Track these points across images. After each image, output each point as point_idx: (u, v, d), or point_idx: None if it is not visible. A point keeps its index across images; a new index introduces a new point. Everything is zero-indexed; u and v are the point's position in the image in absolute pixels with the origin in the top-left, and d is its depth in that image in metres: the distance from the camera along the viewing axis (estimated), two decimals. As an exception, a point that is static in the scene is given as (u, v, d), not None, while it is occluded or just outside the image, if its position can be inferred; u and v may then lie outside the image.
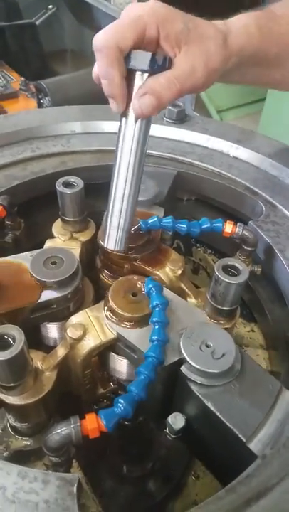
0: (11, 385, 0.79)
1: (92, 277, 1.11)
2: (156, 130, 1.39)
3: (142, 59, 0.71)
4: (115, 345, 0.87)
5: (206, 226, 1.02)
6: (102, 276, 1.10)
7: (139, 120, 0.76)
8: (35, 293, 0.90)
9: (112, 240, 0.93)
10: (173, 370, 0.77)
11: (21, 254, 0.98)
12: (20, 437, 0.96)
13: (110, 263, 1.06)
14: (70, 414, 0.70)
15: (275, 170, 1.33)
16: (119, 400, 0.71)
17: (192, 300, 1.04)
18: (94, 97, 1.79)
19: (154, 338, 0.77)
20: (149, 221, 1.01)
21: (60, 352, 0.87)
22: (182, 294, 1.03)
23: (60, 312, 0.95)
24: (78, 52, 3.11)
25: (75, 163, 1.32)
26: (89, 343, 0.84)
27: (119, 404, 0.70)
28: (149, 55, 0.71)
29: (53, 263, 0.95)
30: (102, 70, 0.70)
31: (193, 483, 1.08)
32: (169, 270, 1.00)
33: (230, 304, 0.90)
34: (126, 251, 0.97)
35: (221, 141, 1.39)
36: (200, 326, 0.80)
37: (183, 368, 0.75)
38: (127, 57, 0.70)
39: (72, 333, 0.84)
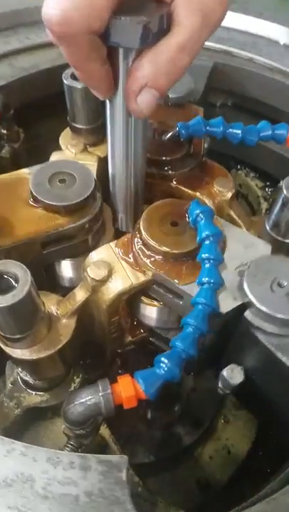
0: (17, 336, 0.65)
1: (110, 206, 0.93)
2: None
3: (129, 32, 0.50)
4: (150, 288, 0.71)
5: (265, 134, 0.80)
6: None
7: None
8: (42, 222, 0.73)
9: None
10: (232, 318, 0.62)
11: (20, 170, 0.79)
12: (33, 392, 0.85)
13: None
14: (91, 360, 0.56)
15: None
16: (162, 358, 0.56)
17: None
18: None
19: (205, 279, 0.61)
20: (191, 124, 0.79)
21: (80, 295, 0.72)
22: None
23: (77, 246, 0.79)
24: None
25: None
26: (116, 285, 0.69)
27: (162, 365, 0.56)
28: (139, 26, 0.49)
29: (62, 181, 0.76)
30: (75, 64, 0.54)
31: (223, 427, 1.05)
32: (217, 192, 0.81)
33: (297, 236, 0.73)
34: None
35: (268, 25, 1.12)
36: (268, 261, 0.64)
37: (248, 314, 0.61)
38: (106, 31, 0.50)
39: (94, 273, 0.68)
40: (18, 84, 0.99)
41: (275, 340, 0.59)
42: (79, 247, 0.79)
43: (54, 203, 0.73)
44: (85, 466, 0.50)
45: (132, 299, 0.76)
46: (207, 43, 1.09)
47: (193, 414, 1.06)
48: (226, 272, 0.64)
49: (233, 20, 1.14)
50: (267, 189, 1.27)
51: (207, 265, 0.63)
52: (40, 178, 0.75)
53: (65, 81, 0.85)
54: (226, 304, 0.61)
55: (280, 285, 0.61)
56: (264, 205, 1.25)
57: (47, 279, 0.84)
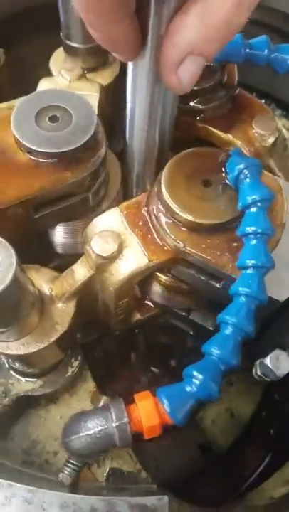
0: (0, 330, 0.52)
1: (115, 149, 0.76)
2: None
3: None
4: (173, 268, 0.56)
5: None
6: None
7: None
8: (31, 177, 0.56)
9: None
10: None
11: None
12: (23, 378, 0.73)
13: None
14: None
15: None
16: (193, 372, 0.43)
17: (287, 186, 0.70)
18: None
19: (249, 262, 0.47)
20: (228, 47, 0.61)
21: (81, 274, 0.58)
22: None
23: (74, 207, 0.63)
24: None
25: None
26: (128, 264, 0.54)
27: (194, 380, 0.43)
28: None
29: (53, 119, 0.59)
30: (96, 24, 0.42)
31: (226, 389, 0.99)
32: (256, 136, 0.64)
33: None
34: None
35: None
36: None
37: None
38: None
39: (100, 247, 0.53)
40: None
41: None
42: (76, 208, 0.64)
43: (45, 150, 0.56)
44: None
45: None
46: None
47: None
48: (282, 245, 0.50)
49: None
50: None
51: (253, 242, 0.48)
52: (24, 117, 0.57)
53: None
54: (282, 288, 0.47)
55: None
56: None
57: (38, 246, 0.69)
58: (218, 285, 0.53)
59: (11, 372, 0.74)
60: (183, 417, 0.42)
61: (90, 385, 0.77)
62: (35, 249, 0.65)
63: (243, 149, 0.65)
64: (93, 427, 0.42)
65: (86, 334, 0.77)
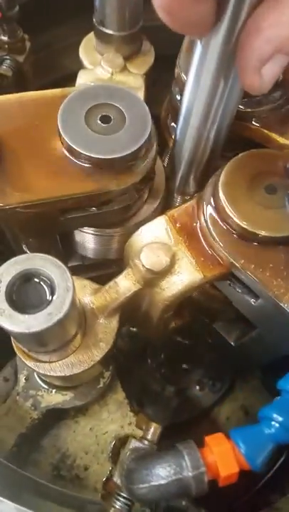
0: (45, 351, 0.46)
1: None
2: None
3: None
4: (231, 281, 0.51)
5: None
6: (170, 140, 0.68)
7: None
8: (71, 178, 0.50)
9: None
10: None
11: (50, 90, 0.54)
12: (53, 390, 0.68)
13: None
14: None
15: None
16: (270, 412, 0.38)
17: None
18: None
19: None
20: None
21: (125, 288, 0.52)
22: None
23: (113, 214, 0.57)
24: None
25: None
26: (180, 280, 0.48)
27: (273, 422, 0.37)
28: None
29: (104, 119, 0.52)
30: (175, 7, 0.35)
31: (240, 386, 0.98)
32: (316, 140, 0.57)
33: None
34: None
35: None
36: None
37: None
38: None
39: (150, 261, 0.47)
40: None
41: None
42: (114, 215, 0.57)
43: (95, 156, 0.49)
44: None
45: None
46: None
47: (211, 374, 0.99)
48: None
49: None
50: None
51: None
52: (73, 114, 0.50)
53: None
54: None
55: None
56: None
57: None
58: (252, 302, 0.48)
59: (41, 383, 0.69)
60: (262, 462, 0.37)
61: (120, 396, 0.73)
62: (58, 248, 0.59)
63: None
64: (166, 476, 0.36)
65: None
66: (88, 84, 0.54)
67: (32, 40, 0.77)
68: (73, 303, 0.39)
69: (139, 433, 0.58)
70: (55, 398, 0.69)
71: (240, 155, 0.50)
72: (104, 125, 0.51)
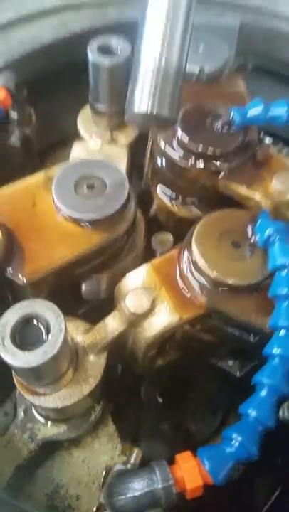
0: (41, 385, 0.52)
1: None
2: None
3: None
4: (205, 321, 0.57)
5: None
6: (155, 196, 0.76)
7: None
8: (74, 239, 0.58)
9: (146, 94, 0.53)
10: None
11: (38, 174, 0.63)
12: (49, 423, 0.73)
13: (173, 176, 0.71)
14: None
15: None
16: (231, 432, 0.44)
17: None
18: None
19: (282, 323, 0.48)
20: (249, 110, 0.64)
21: (113, 328, 0.58)
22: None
23: (108, 260, 0.64)
24: None
25: (82, 22, 0.88)
26: (160, 320, 0.55)
27: (233, 442, 0.43)
28: None
29: (90, 187, 0.61)
30: None
31: (233, 420, 0.90)
32: (275, 192, 0.66)
33: None
34: (174, 118, 0.57)
35: None
36: None
37: None
38: None
39: (134, 304, 0.54)
40: (23, 61, 0.81)
41: None
42: (110, 261, 0.65)
43: (83, 217, 0.58)
44: None
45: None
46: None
47: (206, 408, 0.98)
48: None
49: None
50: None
51: (284, 304, 0.49)
52: (64, 185, 0.59)
53: (90, 55, 0.69)
54: None
55: None
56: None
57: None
58: (251, 338, 0.54)
59: (37, 416, 0.74)
60: (223, 477, 0.42)
61: (110, 428, 0.75)
62: (69, 299, 0.66)
63: (262, 203, 0.67)
64: (140, 488, 0.42)
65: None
66: (77, 160, 0.63)
67: (35, 110, 0.87)
68: (65, 341, 0.45)
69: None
70: (50, 430, 0.73)
71: (210, 214, 0.58)
72: (89, 192, 0.60)
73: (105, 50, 0.71)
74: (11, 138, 0.77)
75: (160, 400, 0.95)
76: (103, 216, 0.58)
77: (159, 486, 0.41)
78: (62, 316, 0.45)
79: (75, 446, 0.77)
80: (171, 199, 0.72)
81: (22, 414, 0.74)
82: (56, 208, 0.59)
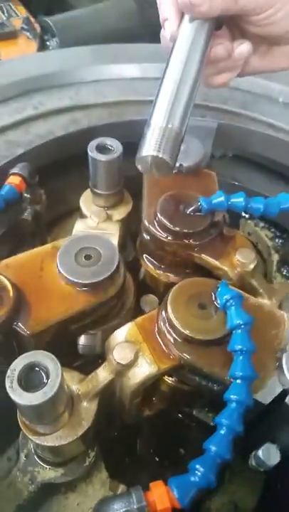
0: (40, 425, 0.62)
1: (126, 259, 0.92)
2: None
3: None
4: (180, 373, 0.68)
5: (287, 205, 0.80)
6: (143, 263, 0.90)
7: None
8: (71, 299, 0.71)
9: (153, 142, 0.65)
10: (271, 403, 0.59)
11: (47, 246, 0.77)
12: (48, 467, 0.80)
13: (158, 249, 0.84)
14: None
15: None
16: (196, 464, 0.53)
17: (265, 301, 0.84)
18: (114, 36, 1.50)
19: (238, 374, 0.58)
20: (213, 200, 0.79)
21: (103, 377, 0.68)
22: (252, 293, 0.84)
23: (100, 319, 0.76)
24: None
25: (90, 120, 1.06)
26: (142, 370, 0.65)
27: (196, 472, 0.52)
28: None
29: (87, 257, 0.74)
30: None
31: (230, 479, 0.95)
32: (238, 263, 0.79)
33: None
34: (171, 167, 0.67)
35: (268, 84, 1.13)
36: None
37: None
38: None
39: (119, 356, 0.65)
40: (35, 152, 0.99)
41: None
42: (103, 319, 0.77)
43: (81, 281, 0.71)
44: None
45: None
46: (209, 104, 1.10)
47: None
48: (264, 353, 0.62)
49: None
50: (277, 240, 1.26)
51: (240, 357, 0.60)
52: (66, 256, 0.73)
53: (90, 153, 0.85)
54: (267, 393, 0.58)
55: None
56: (275, 257, 1.23)
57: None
58: (215, 387, 0.64)
59: (38, 460, 0.81)
60: (188, 502, 0.50)
61: (103, 475, 0.81)
62: (67, 352, 0.77)
63: (229, 272, 0.79)
64: (118, 508, 0.50)
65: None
66: (78, 235, 0.78)
67: (44, 188, 1.03)
68: (61, 385, 0.55)
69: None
70: (48, 474, 0.80)
71: (181, 282, 0.70)
72: (87, 261, 0.73)
73: (102, 149, 0.87)
74: (24, 213, 0.93)
75: (156, 458, 0.98)
76: (96, 281, 0.70)
77: (134, 507, 0.49)
78: (59, 364, 0.56)
79: (71, 490, 0.83)
80: (155, 266, 0.85)
81: (24, 458, 0.82)
82: (59, 273, 0.72)
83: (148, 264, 0.86)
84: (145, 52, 1.20)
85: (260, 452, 0.62)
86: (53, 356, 0.56)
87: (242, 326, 0.61)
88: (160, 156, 0.64)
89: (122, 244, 0.95)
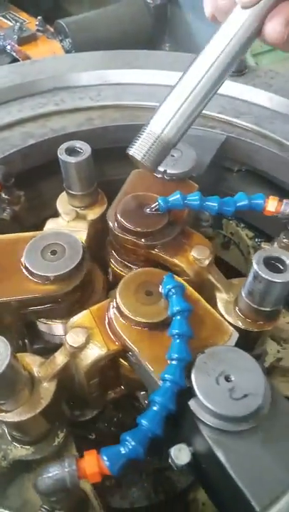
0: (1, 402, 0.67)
1: (103, 258, 0.96)
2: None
3: None
4: (127, 355, 0.72)
5: (242, 204, 0.83)
6: (111, 263, 0.94)
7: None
8: (24, 286, 0.76)
9: (142, 147, 0.72)
10: (181, 397, 0.61)
11: (23, 234, 0.83)
12: (19, 445, 0.85)
13: (120, 247, 0.89)
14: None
15: None
16: (127, 437, 0.57)
17: (222, 295, 0.87)
18: (125, 38, 1.53)
19: (174, 356, 0.62)
20: (170, 199, 0.82)
21: (60, 360, 0.73)
22: (210, 288, 0.87)
23: (62, 309, 0.81)
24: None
25: (103, 120, 1.11)
26: (93, 352, 0.70)
27: (127, 443, 0.56)
28: None
29: (53, 252, 0.79)
30: None
31: None
32: (194, 260, 0.82)
33: (273, 305, 0.73)
34: (153, 170, 0.76)
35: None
36: (224, 351, 0.63)
37: (192, 403, 0.60)
38: None
39: (72, 340, 0.70)
40: (18, 155, 1.04)
41: (215, 435, 0.57)
42: (62, 310, 0.81)
43: (43, 274, 0.76)
44: None
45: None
46: (224, 117, 1.12)
47: None
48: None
49: (256, 94, 1.15)
50: (256, 239, 1.29)
51: (177, 341, 0.64)
52: (34, 250, 0.78)
53: (60, 156, 0.90)
54: None
55: (227, 379, 0.60)
56: (255, 255, 1.26)
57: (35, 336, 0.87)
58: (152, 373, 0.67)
59: (10, 439, 0.86)
60: (118, 470, 0.55)
61: (73, 453, 0.87)
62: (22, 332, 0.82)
63: (186, 269, 0.83)
64: (52, 471, 0.55)
65: (81, 413, 0.89)
66: (47, 232, 0.83)
67: (26, 192, 1.08)
68: (11, 366, 0.60)
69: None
70: (20, 452, 0.84)
71: (131, 272, 0.75)
72: (52, 256, 0.78)
73: (71, 151, 0.92)
74: (3, 214, 0.98)
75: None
76: (58, 274, 0.75)
77: (66, 470, 0.54)
78: (9, 346, 0.61)
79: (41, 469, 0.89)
80: (119, 264, 0.90)
81: (-2, 437, 0.87)
82: (24, 265, 0.77)
83: (113, 262, 0.91)
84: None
85: (171, 450, 0.61)
86: (3, 338, 0.61)
87: (180, 313, 0.64)
88: (143, 161, 0.72)
89: (97, 242, 0.99)
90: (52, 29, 2.11)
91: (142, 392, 0.78)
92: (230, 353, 0.63)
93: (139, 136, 0.73)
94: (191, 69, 0.72)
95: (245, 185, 1.17)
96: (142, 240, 0.81)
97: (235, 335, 0.68)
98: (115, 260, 0.91)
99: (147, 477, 1.02)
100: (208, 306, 0.72)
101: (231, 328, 0.70)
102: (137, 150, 0.72)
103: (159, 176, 0.90)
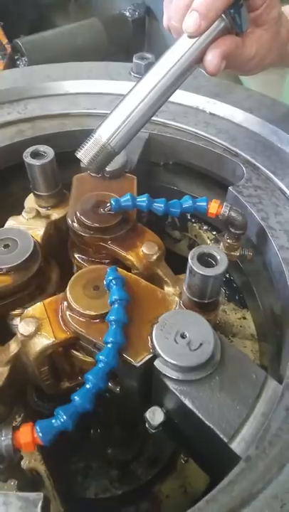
0: None
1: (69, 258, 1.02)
2: (121, 87, 1.22)
3: None
4: (76, 343, 0.77)
5: (187, 206, 0.89)
6: (74, 259, 1.00)
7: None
8: None
9: (88, 152, 0.80)
10: (148, 366, 0.68)
11: None
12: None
13: (79, 242, 0.95)
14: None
15: (256, 126, 1.15)
16: (60, 411, 0.62)
17: (169, 288, 0.93)
18: (78, 54, 1.59)
19: (109, 339, 0.68)
20: (122, 200, 0.89)
21: (13, 347, 0.79)
22: (159, 281, 0.93)
23: (20, 300, 0.87)
24: (82, 2, 2.84)
25: (35, 131, 1.17)
26: (40, 341, 0.75)
27: (59, 416, 0.62)
28: None
29: (6, 246, 0.85)
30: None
31: (182, 466, 1.07)
32: (144, 255, 0.89)
33: (209, 297, 0.79)
34: (97, 174, 0.86)
35: (196, 96, 1.23)
36: (173, 315, 0.71)
37: (157, 363, 0.66)
38: None
39: (23, 329, 0.75)
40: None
41: (180, 386, 0.64)
42: (19, 301, 0.87)
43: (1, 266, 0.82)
44: (7, 501, 0.56)
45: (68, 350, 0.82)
46: None
47: (151, 451, 1.09)
48: (143, 326, 0.72)
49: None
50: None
51: (113, 326, 0.69)
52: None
53: (25, 159, 0.96)
54: (140, 354, 0.69)
55: (182, 336, 0.67)
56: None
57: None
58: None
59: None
60: (49, 441, 0.60)
61: None
62: None
63: (135, 262, 0.89)
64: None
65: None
66: (4, 228, 0.90)
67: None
68: None
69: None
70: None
71: (82, 269, 0.81)
72: (4, 249, 0.84)
73: (36, 155, 0.98)
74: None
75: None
76: (10, 266, 0.81)
77: (2, 439, 0.60)
78: None
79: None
80: (80, 259, 0.96)
81: None
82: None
83: (75, 257, 0.97)
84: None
85: (146, 413, 0.69)
86: None
87: (118, 301, 0.70)
88: (88, 166, 0.82)
89: (63, 241, 1.04)
90: (9, 49, 2.20)
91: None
92: (178, 315, 0.71)
93: (87, 141, 0.79)
94: (142, 82, 0.79)
95: (172, 177, 1.27)
96: (98, 234, 0.87)
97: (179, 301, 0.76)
98: (78, 257, 0.97)
99: (112, 469, 1.06)
100: (152, 285, 0.79)
101: (175, 297, 0.77)
102: (83, 154, 0.79)
103: (99, 175, 0.97)
